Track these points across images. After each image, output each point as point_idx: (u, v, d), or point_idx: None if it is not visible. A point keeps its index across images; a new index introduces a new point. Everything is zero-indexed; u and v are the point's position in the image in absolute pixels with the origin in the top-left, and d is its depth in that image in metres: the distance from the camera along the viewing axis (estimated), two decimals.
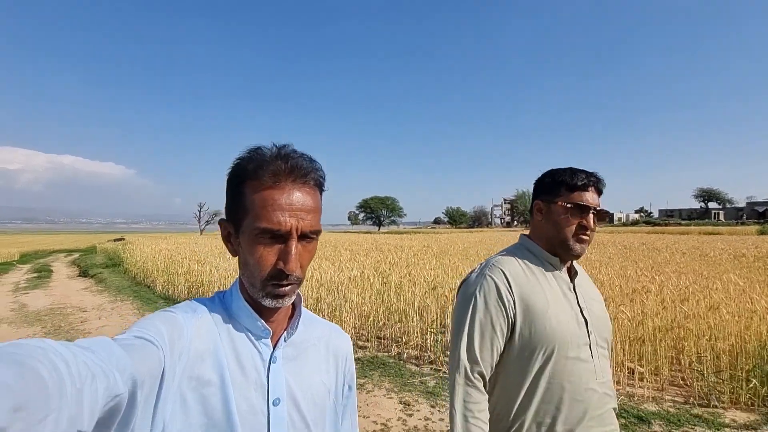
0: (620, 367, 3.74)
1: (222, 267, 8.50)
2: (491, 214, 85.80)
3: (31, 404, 0.32)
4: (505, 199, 74.62)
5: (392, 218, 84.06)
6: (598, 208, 1.08)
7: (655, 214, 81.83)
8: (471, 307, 1.05)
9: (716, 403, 3.33)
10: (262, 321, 0.66)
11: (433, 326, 4.75)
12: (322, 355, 0.74)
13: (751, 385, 3.27)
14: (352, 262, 8.58)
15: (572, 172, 1.09)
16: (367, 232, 51.52)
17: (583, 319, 1.06)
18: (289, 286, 0.63)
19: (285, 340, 0.68)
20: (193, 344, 0.59)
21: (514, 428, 1.02)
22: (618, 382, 3.69)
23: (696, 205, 75.72)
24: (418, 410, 3.38)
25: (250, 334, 0.66)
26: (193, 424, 0.56)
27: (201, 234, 45.75)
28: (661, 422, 3.09)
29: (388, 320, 5.11)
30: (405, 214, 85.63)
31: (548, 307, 1.03)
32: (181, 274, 8.90)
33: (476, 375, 1.02)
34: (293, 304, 0.72)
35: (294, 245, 0.61)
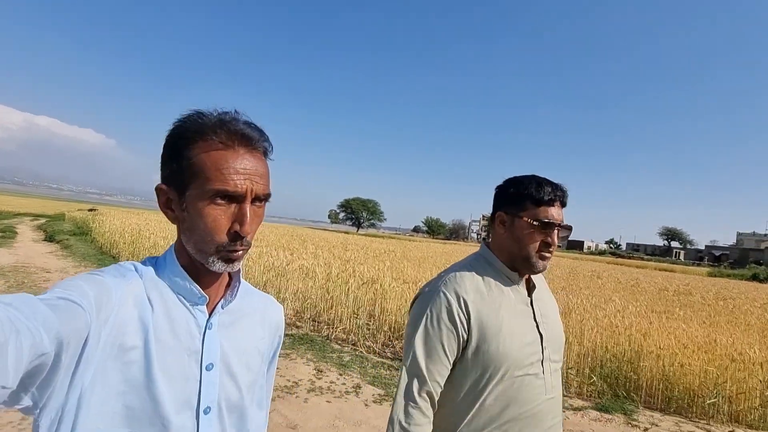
0: None
1: None
2: (469, 229, 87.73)
3: None
4: (483, 215, 76.42)
5: (372, 221, 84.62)
6: (562, 224, 1.05)
7: (624, 247, 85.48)
8: (422, 324, 1.02)
9: (565, 392, 4.17)
10: (198, 287, 0.65)
11: (359, 313, 5.48)
12: (258, 323, 0.75)
13: (592, 381, 4.12)
14: (309, 255, 9.23)
15: (538, 184, 1.05)
16: (345, 232, 52.22)
17: (538, 335, 1.05)
18: (242, 251, 0.63)
19: (222, 307, 0.68)
20: (121, 309, 0.57)
21: None
22: None
23: (660, 242, 79.66)
24: (328, 376, 4.08)
25: (185, 300, 0.65)
26: (111, 389, 0.55)
27: None
28: None
29: (325, 306, 5.81)
30: (385, 219, 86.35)
31: (502, 326, 1.00)
32: (147, 248, 9.35)
33: (423, 395, 0.99)
34: (230, 273, 0.71)
35: (249, 208, 0.61)
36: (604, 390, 4.17)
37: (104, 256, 10.38)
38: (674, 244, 77.52)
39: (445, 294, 1.01)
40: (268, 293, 0.84)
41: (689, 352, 4.35)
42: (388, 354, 4.91)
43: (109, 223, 14.00)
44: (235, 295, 0.70)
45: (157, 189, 0.65)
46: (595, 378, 4.11)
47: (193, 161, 0.60)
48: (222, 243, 0.61)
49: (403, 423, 0.96)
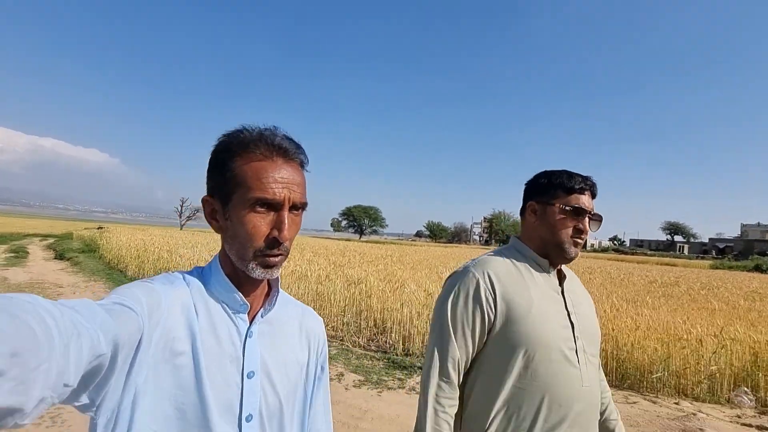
0: None
1: (186, 256, 9.57)
2: (471, 231, 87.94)
3: (25, 352, 0.33)
4: (484, 218, 76.71)
5: (374, 228, 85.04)
6: (593, 212, 1.08)
7: (627, 243, 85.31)
8: (450, 301, 1.04)
9: None
10: (241, 295, 0.67)
11: (345, 311, 5.98)
12: (296, 333, 0.76)
13: None
14: (305, 261, 9.76)
15: (569, 175, 1.08)
16: (347, 240, 52.70)
17: (569, 323, 1.04)
18: (279, 257, 0.65)
19: (262, 316, 0.70)
20: (169, 316, 0.60)
21: (491, 428, 0.99)
22: None
23: (663, 237, 79.47)
24: None
25: (227, 308, 0.67)
26: (164, 392, 0.57)
27: (181, 229, 45.77)
28: None
29: (315, 306, 6.32)
30: (387, 225, 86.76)
31: (531, 308, 1.01)
32: (151, 261, 9.90)
33: (450, 369, 1.00)
34: (269, 283, 0.74)
35: (286, 215, 0.64)
36: None
37: (112, 271, 10.94)
38: (678, 238, 77.36)
39: (473, 273, 1.04)
40: None
41: (641, 333, 4.80)
42: (372, 347, 5.38)
43: (116, 239, 14.61)
44: (274, 304, 0.72)
45: (203, 200, 0.69)
46: None
47: (236, 172, 0.64)
48: (260, 248, 0.63)
49: (436, 397, 0.99)
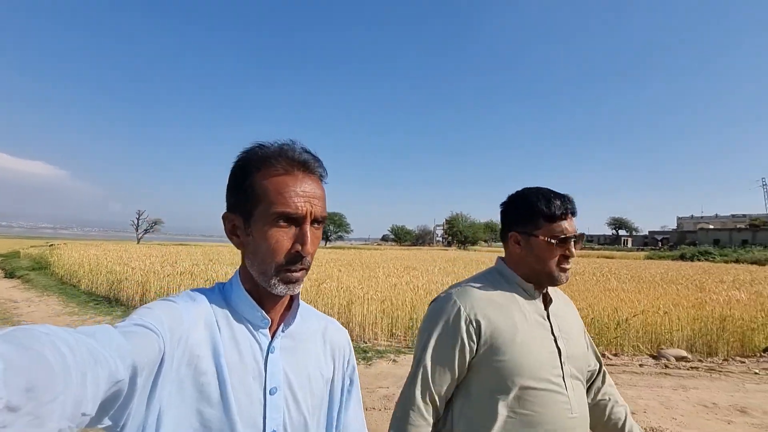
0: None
1: (138, 267, 10.35)
2: (434, 233, 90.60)
3: (40, 386, 0.33)
4: (446, 220, 79.33)
5: (339, 233, 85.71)
6: (577, 234, 1.06)
7: None
8: (431, 330, 1.03)
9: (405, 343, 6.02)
10: (262, 311, 0.68)
11: None
12: (320, 346, 0.76)
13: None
14: None
15: (546, 200, 1.05)
16: None
17: (556, 348, 1.03)
18: (302, 271, 0.66)
19: (283, 331, 0.70)
20: (192, 332, 0.60)
21: None
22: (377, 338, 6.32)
23: (610, 232, 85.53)
24: None
25: (249, 324, 0.68)
26: (189, 409, 0.58)
27: (138, 243, 44.61)
28: (383, 354, 5.72)
29: None
30: (352, 230, 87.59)
31: (516, 336, 1.00)
32: (104, 274, 10.57)
33: (426, 399, 1.00)
34: (290, 296, 0.73)
35: (309, 229, 0.64)
36: None
37: (65, 286, 11.41)
38: (622, 232, 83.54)
39: (455, 300, 1.03)
40: None
41: None
42: None
43: (68, 255, 14.89)
44: (294, 317, 0.72)
45: (224, 217, 0.69)
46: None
47: (257, 188, 0.65)
48: (283, 263, 0.64)
49: (402, 424, 0.99)
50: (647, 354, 5.83)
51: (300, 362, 0.71)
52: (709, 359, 5.72)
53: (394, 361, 5.32)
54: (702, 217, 79.70)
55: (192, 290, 0.69)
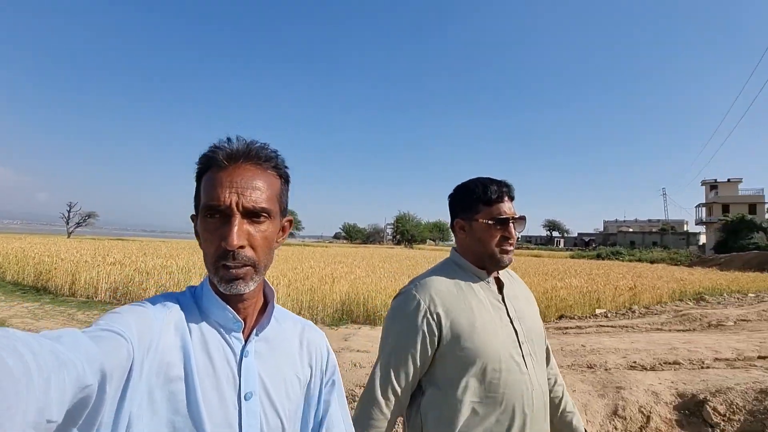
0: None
1: (68, 259, 10.82)
2: (384, 232, 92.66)
3: None
4: (396, 218, 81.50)
5: (290, 231, 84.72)
6: (516, 216, 1.11)
7: (519, 238, 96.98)
8: (393, 325, 1.08)
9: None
10: (232, 311, 0.65)
11: None
12: (296, 349, 0.75)
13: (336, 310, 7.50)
14: (180, 259, 11.65)
15: (483, 186, 1.12)
16: None
17: (513, 330, 1.08)
18: (243, 268, 0.62)
19: (257, 334, 0.68)
20: (162, 338, 0.58)
21: None
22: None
23: (545, 233, 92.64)
24: None
25: (220, 327, 0.66)
26: (160, 419, 0.56)
27: (68, 237, 41.93)
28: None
29: None
30: (303, 228, 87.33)
31: (475, 322, 1.04)
32: (32, 265, 10.86)
33: (388, 394, 1.02)
34: (265, 298, 0.72)
35: (235, 221, 0.61)
36: (343, 317, 7.65)
37: None
38: (555, 234, 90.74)
39: (415, 295, 1.07)
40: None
41: (381, 289, 8.04)
42: None
43: None
44: (268, 321, 0.70)
45: (192, 219, 0.69)
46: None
47: (199, 186, 0.65)
48: (216, 260, 0.62)
49: (362, 418, 1.02)
50: None
51: (276, 366, 0.69)
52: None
53: None
54: (624, 221, 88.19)
55: (163, 294, 0.67)
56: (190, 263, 11.48)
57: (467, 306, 1.07)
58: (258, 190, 0.64)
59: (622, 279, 12.82)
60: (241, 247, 0.62)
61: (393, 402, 1.04)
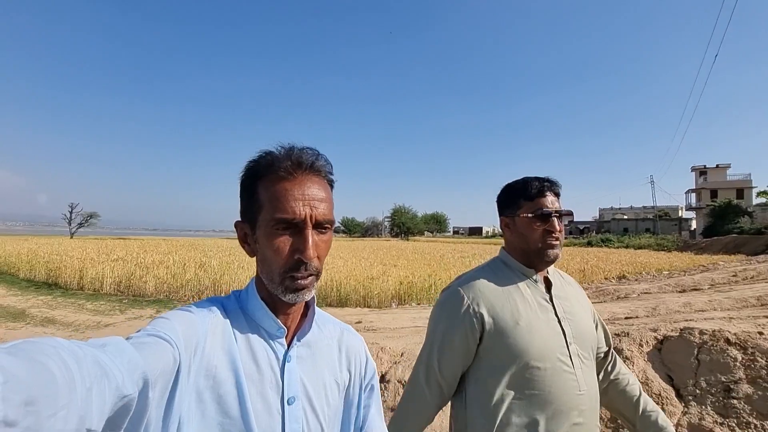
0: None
1: (75, 256, 11.92)
2: (382, 225, 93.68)
3: (41, 399, 0.32)
4: (392, 212, 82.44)
5: None
6: (559, 210, 1.11)
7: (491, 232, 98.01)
8: (438, 320, 1.11)
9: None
10: (277, 320, 0.67)
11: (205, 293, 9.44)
12: (335, 354, 0.76)
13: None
14: (179, 255, 12.79)
15: (525, 182, 1.14)
16: None
17: (561, 330, 1.07)
18: (309, 278, 0.64)
19: (299, 340, 0.70)
20: (208, 342, 0.60)
21: None
22: None
23: None
24: None
25: (264, 332, 0.67)
26: (209, 422, 0.57)
27: (71, 238, 42.92)
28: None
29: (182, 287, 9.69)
30: None
31: (519, 320, 1.04)
32: (42, 263, 11.98)
33: (431, 384, 1.07)
34: (306, 303, 0.73)
35: (310, 234, 0.63)
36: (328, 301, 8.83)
37: (3, 275, 12.56)
38: None
39: (460, 292, 1.09)
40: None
41: (357, 275, 9.21)
42: None
43: (2, 250, 15.75)
44: (310, 326, 0.72)
45: (235, 225, 0.70)
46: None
47: (259, 194, 0.65)
48: (286, 271, 0.63)
49: (407, 405, 1.09)
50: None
51: (316, 371, 0.71)
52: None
53: None
54: (620, 209, 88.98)
55: (209, 299, 0.68)
56: (186, 257, 12.64)
57: (511, 304, 1.07)
58: (324, 201, 0.66)
59: (585, 264, 13.88)
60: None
61: (436, 392, 1.09)
